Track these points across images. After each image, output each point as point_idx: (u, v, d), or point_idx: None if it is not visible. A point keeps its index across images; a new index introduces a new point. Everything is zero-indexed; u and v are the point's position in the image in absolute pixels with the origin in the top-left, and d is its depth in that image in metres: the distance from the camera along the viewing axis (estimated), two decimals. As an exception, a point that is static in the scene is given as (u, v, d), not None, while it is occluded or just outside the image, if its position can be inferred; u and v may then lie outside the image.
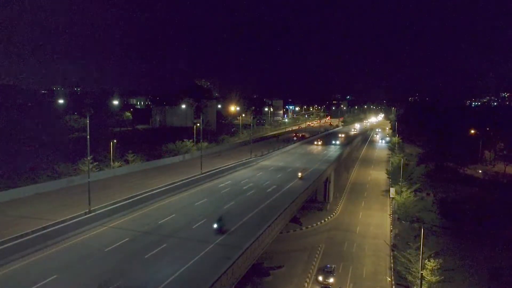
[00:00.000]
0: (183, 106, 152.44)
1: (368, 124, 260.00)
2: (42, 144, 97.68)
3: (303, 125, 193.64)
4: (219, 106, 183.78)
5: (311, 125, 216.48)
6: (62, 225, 32.83)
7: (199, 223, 37.90)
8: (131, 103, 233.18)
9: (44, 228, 31.84)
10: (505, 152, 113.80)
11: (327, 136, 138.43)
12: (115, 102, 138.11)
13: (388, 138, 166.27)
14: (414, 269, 38.07)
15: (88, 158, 39.82)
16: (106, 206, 38.69)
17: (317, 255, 52.52)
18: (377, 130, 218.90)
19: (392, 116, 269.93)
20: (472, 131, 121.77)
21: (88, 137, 38.96)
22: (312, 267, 48.59)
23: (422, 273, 31.13)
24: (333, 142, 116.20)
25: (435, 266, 35.09)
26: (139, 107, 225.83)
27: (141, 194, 44.67)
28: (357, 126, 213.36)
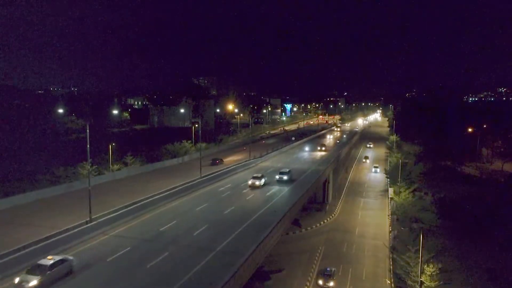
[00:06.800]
0: (181, 109, 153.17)
1: (344, 136, 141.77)
2: (41, 146, 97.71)
3: (302, 124, 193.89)
4: (217, 103, 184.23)
5: (311, 123, 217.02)
6: (64, 235, 33.01)
7: (200, 230, 38.08)
8: (129, 103, 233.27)
9: (47, 238, 32.08)
10: (502, 149, 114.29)
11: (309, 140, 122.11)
12: (114, 106, 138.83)
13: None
14: (413, 274, 38.42)
15: (88, 167, 39.95)
16: (107, 214, 38.90)
17: (317, 257, 52.91)
18: (368, 145, 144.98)
19: (390, 113, 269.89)
20: (470, 130, 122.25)
21: (88, 146, 39.05)
22: (312, 270, 48.97)
23: (421, 280, 31.39)
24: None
25: (434, 271, 35.41)
26: (136, 107, 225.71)
27: (142, 200, 44.90)
28: (329, 137, 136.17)
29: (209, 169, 71.80)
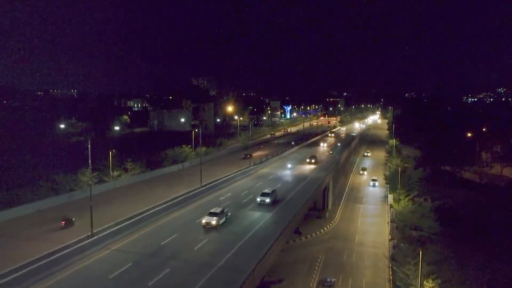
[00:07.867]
0: (182, 118, 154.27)
1: (339, 144, 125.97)
2: (41, 151, 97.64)
3: (304, 126, 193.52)
4: (217, 104, 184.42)
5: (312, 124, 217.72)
6: (66, 251, 33.15)
7: (200, 244, 38.20)
8: (128, 105, 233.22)
9: (49, 254, 32.19)
10: (501, 154, 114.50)
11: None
12: (115, 120, 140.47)
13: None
14: (413, 287, 38.64)
15: (90, 183, 39.95)
16: (108, 228, 39.02)
17: (317, 267, 53.11)
18: (365, 154, 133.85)
19: (390, 115, 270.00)
20: (469, 134, 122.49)
21: (90, 161, 39.17)
22: (312, 280, 49.19)
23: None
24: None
25: (433, 287, 35.62)
26: (136, 109, 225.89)
27: (143, 212, 44.96)
28: (323, 145, 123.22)
29: (238, 164, 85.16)
